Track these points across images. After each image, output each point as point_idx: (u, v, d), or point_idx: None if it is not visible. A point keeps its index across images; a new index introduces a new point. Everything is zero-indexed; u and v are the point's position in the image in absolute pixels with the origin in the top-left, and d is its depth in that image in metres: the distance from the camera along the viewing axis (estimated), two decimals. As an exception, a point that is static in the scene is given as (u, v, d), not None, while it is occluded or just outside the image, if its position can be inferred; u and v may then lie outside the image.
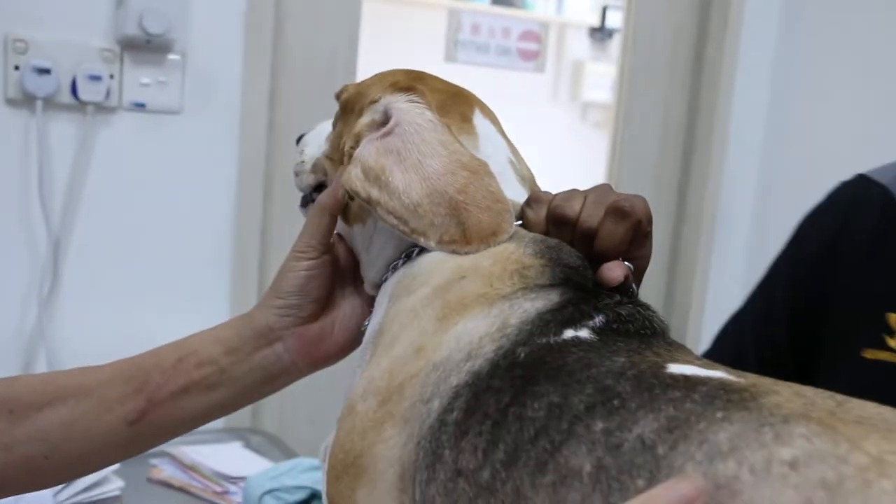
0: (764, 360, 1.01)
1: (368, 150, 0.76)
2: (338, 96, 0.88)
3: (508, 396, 0.61)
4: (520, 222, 0.76)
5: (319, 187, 0.89)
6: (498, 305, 0.68)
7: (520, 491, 0.56)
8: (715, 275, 2.52)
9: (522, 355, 0.64)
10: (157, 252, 1.82)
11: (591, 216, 0.74)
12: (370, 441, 0.67)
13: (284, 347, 0.84)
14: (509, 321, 0.67)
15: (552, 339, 0.64)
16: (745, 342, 1.04)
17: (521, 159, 0.86)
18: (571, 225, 0.74)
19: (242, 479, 1.48)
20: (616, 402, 0.56)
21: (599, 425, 0.55)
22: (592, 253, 0.74)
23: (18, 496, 1.26)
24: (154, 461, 1.54)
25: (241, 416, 1.82)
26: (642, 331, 0.67)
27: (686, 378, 0.56)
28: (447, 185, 0.74)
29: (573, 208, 0.74)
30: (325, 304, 0.86)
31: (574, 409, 0.57)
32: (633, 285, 0.75)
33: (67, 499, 1.35)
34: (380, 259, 0.81)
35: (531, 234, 0.74)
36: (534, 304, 0.68)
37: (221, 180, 1.88)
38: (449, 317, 0.69)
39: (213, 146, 1.87)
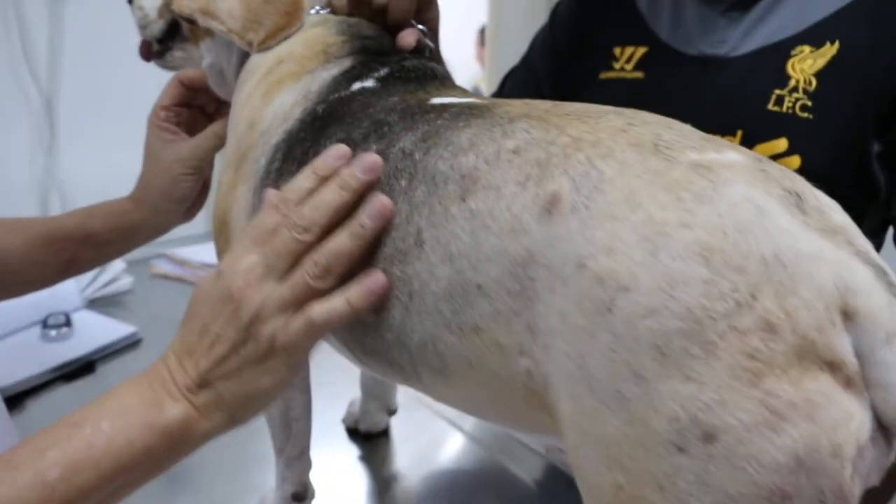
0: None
1: None
2: None
3: (310, 142, 0.63)
4: (328, 10, 0.76)
5: (172, 32, 0.87)
6: (304, 79, 0.70)
7: None
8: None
9: (321, 110, 0.66)
10: (138, 90, 1.78)
11: None
12: (230, 201, 0.71)
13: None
14: (311, 88, 0.68)
15: (343, 93, 0.66)
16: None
17: None
18: (367, 4, 0.75)
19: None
20: (385, 129, 0.58)
21: (373, 147, 0.58)
22: (388, 25, 0.75)
23: (52, 289, 1.32)
24: (153, 261, 1.58)
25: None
26: (422, 77, 0.69)
27: (443, 105, 0.58)
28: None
29: None
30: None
31: (354, 140, 0.60)
32: (430, 43, 0.77)
33: (91, 293, 1.40)
34: (228, 71, 0.81)
35: (337, 18, 0.75)
36: (330, 72, 0.69)
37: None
38: (270, 93, 0.70)
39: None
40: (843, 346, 0.40)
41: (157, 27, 0.87)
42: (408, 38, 0.74)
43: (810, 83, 0.79)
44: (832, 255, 0.41)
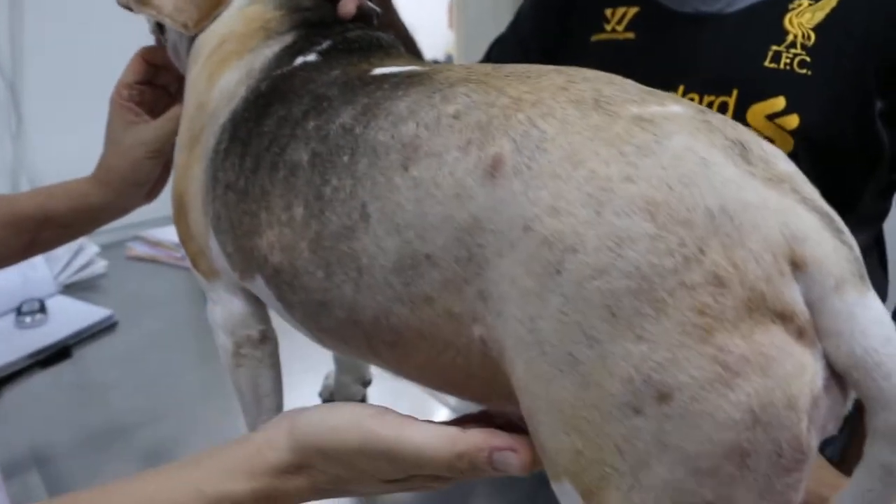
0: None
1: None
2: None
3: (253, 121, 0.62)
4: None
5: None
6: (246, 57, 0.68)
7: (264, 188, 0.58)
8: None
9: (264, 87, 0.64)
10: (103, 70, 1.74)
11: None
12: (186, 182, 0.69)
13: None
14: (254, 66, 0.67)
15: (285, 69, 0.64)
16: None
17: None
18: None
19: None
20: (325, 105, 0.56)
21: (312, 124, 0.56)
22: None
23: (25, 276, 1.30)
24: (129, 244, 1.55)
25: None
26: (366, 48, 0.66)
27: (384, 75, 0.56)
28: None
29: None
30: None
31: (294, 117, 0.58)
32: (375, 8, 0.74)
33: (66, 278, 1.38)
34: (182, 51, 0.79)
35: None
36: (272, 49, 0.67)
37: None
38: (214, 74, 0.69)
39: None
40: (793, 296, 0.38)
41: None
42: (348, 5, 0.71)
43: (809, 38, 0.75)
44: (778, 204, 0.39)
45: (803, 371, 0.38)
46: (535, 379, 0.42)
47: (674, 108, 0.43)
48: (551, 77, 0.47)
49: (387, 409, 0.50)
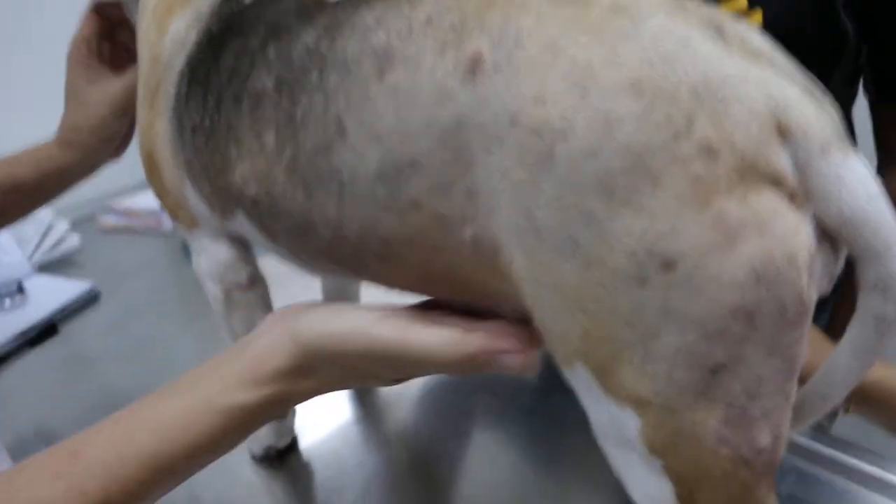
0: None
1: None
2: None
3: (210, 61, 0.60)
4: None
5: None
6: (193, 2, 0.66)
7: (230, 122, 0.57)
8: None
9: (215, 27, 0.62)
10: (48, 39, 1.68)
11: None
12: (152, 138, 0.68)
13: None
14: (202, 9, 0.65)
15: (234, 6, 0.63)
16: None
17: None
18: None
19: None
20: (283, 32, 0.55)
21: (272, 52, 0.54)
22: None
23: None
24: (100, 216, 1.53)
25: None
26: None
27: None
28: None
29: None
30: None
31: (252, 48, 0.57)
32: None
33: (39, 258, 1.36)
34: (132, 7, 0.77)
35: None
36: None
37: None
38: (163, 24, 0.67)
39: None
40: (781, 161, 0.39)
41: None
42: None
43: None
44: (759, 76, 0.40)
45: (798, 230, 0.39)
46: (537, 267, 0.43)
47: None
48: None
49: (390, 311, 0.50)
